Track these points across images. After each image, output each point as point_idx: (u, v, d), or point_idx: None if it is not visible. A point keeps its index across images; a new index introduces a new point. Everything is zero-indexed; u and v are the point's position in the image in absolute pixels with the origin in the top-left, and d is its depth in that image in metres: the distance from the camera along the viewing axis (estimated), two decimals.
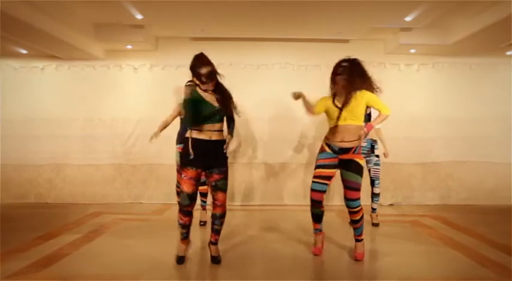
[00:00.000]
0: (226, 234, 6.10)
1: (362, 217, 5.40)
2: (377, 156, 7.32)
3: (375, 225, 7.40)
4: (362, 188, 5.32)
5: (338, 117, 5.26)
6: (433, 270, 5.13)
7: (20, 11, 6.49)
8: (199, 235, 6.65)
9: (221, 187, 5.16)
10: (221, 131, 5.22)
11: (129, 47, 9.30)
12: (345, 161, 5.33)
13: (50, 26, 7.41)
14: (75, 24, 8.15)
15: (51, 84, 9.69)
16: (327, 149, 5.43)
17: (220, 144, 5.16)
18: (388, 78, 9.41)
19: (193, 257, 5.51)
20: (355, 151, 5.31)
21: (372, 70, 9.16)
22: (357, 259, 5.42)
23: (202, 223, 7.28)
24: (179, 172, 6.70)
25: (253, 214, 8.45)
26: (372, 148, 7.29)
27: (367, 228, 7.10)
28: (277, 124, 9.37)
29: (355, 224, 5.45)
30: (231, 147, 5.16)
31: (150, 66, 9.56)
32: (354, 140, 5.27)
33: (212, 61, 5.23)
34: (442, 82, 9.67)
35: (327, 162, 5.38)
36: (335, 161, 5.37)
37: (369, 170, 7.31)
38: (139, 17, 8.05)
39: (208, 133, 5.09)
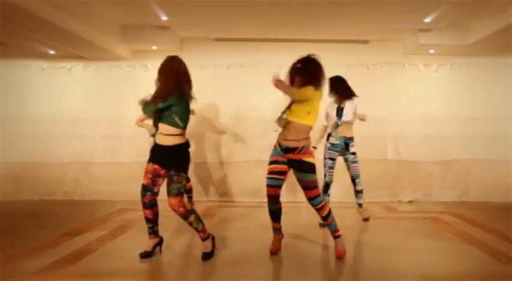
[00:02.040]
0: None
1: (329, 212, 5.37)
2: (353, 154, 7.26)
3: (366, 220, 7.48)
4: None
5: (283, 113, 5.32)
6: (452, 266, 5.21)
7: (48, 12, 6.62)
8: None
9: (167, 190, 5.23)
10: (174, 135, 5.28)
11: (154, 47, 9.43)
12: (293, 161, 5.31)
13: (77, 27, 7.55)
14: (101, 25, 8.30)
15: (78, 84, 9.86)
16: (277, 146, 5.45)
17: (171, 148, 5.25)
18: (408, 79, 9.60)
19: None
20: (300, 151, 5.25)
21: (392, 70, 9.45)
22: (338, 256, 5.39)
23: None
24: None
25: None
26: (347, 146, 7.23)
27: (371, 224, 7.37)
28: None
29: (325, 220, 5.42)
30: None
31: None
32: (298, 140, 5.25)
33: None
34: (459, 82, 9.74)
35: (279, 158, 5.38)
36: (284, 159, 5.36)
37: (348, 168, 7.36)
38: (164, 18, 8.21)
39: (159, 136, 5.37)
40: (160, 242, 5.60)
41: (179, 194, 5.17)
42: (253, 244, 5.97)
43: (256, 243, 6.00)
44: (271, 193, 5.38)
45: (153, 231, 5.47)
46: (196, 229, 5.31)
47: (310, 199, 5.29)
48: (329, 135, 7.27)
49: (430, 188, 9.67)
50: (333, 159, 7.26)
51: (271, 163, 5.42)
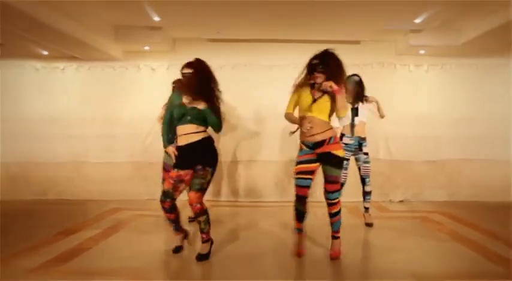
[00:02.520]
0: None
1: (339, 211, 5.42)
2: (365, 154, 7.23)
3: (369, 225, 7.27)
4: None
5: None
6: (442, 265, 5.24)
7: (40, 12, 6.66)
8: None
9: (191, 185, 5.24)
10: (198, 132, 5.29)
11: (146, 48, 9.49)
12: (322, 155, 5.29)
13: (70, 27, 7.60)
14: (94, 25, 8.35)
15: (72, 84, 9.90)
16: (303, 147, 5.44)
17: (198, 145, 5.27)
18: (399, 79, 9.66)
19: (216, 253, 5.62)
20: (329, 142, 5.24)
21: (383, 71, 9.52)
22: (332, 257, 5.41)
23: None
24: (165, 170, 7.13)
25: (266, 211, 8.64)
26: (360, 146, 7.20)
27: (362, 224, 7.32)
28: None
29: (333, 217, 5.43)
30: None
31: (167, 67, 9.71)
32: (324, 131, 5.24)
33: (217, 63, 5.35)
34: (450, 82, 9.82)
35: (306, 157, 5.36)
36: (313, 156, 5.34)
37: (359, 169, 7.29)
38: (156, 19, 8.24)
39: (183, 137, 5.31)
40: (186, 236, 5.74)
41: (201, 189, 5.23)
42: (243, 245, 6.06)
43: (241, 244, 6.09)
44: (300, 193, 5.35)
45: (177, 228, 5.58)
46: (202, 230, 5.40)
47: (329, 192, 5.35)
48: (342, 135, 7.17)
49: (421, 187, 9.72)
50: (346, 159, 7.09)
51: (299, 163, 5.38)
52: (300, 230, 5.56)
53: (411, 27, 8.64)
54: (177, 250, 5.58)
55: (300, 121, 5.35)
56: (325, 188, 5.38)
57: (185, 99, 5.25)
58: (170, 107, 5.47)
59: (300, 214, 5.44)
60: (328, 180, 5.33)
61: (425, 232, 6.82)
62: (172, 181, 5.20)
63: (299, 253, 5.50)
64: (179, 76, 5.64)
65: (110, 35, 8.92)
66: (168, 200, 5.21)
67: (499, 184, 9.58)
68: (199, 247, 5.51)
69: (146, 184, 9.68)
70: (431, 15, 7.85)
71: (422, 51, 9.46)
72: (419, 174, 9.74)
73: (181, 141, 5.27)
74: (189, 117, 5.21)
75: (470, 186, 9.68)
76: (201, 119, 5.25)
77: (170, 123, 5.46)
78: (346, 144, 7.05)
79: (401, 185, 9.61)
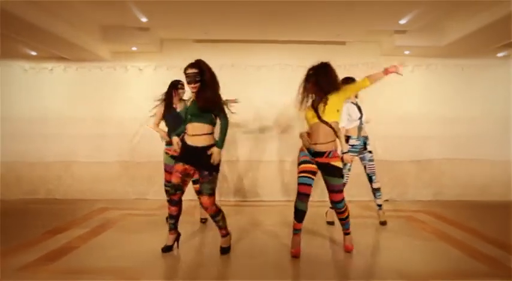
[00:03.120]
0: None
1: (348, 214, 5.65)
2: (370, 152, 7.27)
3: (383, 224, 7.30)
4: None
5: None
6: (428, 264, 5.28)
7: (29, 13, 6.71)
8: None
9: (202, 190, 5.40)
10: (206, 135, 5.42)
11: (134, 48, 9.54)
12: (321, 165, 5.48)
13: (58, 28, 7.65)
14: (82, 26, 8.37)
15: (60, 84, 9.94)
16: (304, 150, 5.61)
17: (205, 149, 5.38)
18: (384, 79, 9.63)
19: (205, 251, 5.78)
20: (328, 155, 5.43)
21: (368, 71, 9.49)
22: (346, 250, 5.71)
23: (204, 220, 7.45)
24: (167, 171, 7.09)
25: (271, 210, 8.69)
26: (365, 145, 7.27)
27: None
28: (279, 122, 9.63)
29: (343, 220, 5.68)
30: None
31: (154, 68, 9.80)
32: (326, 143, 5.43)
33: (210, 65, 5.43)
34: (435, 83, 9.92)
35: (308, 158, 5.53)
36: (313, 160, 5.52)
37: (365, 167, 7.32)
38: (144, 19, 8.29)
39: (190, 138, 5.43)
40: (178, 237, 5.78)
41: (212, 193, 5.40)
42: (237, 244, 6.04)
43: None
44: (304, 191, 5.45)
45: (175, 227, 5.67)
46: (221, 227, 5.63)
47: (335, 202, 5.53)
48: (348, 137, 7.17)
49: (406, 187, 9.80)
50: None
51: (302, 162, 5.56)
52: (297, 231, 5.60)
53: (396, 28, 8.73)
54: (167, 249, 5.61)
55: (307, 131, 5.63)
56: (332, 200, 5.56)
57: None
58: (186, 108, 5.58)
59: (300, 213, 5.50)
60: (331, 190, 5.50)
61: (411, 231, 6.85)
62: (180, 175, 5.39)
63: (295, 253, 5.54)
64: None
65: (98, 35, 8.97)
66: (178, 192, 5.42)
67: (483, 183, 9.71)
68: (188, 249, 5.68)
69: (134, 184, 9.74)
70: (416, 16, 7.93)
71: (407, 52, 9.54)
72: (405, 173, 9.82)
73: (191, 141, 5.41)
74: (200, 118, 5.36)
75: (455, 185, 9.75)
76: (211, 120, 5.46)
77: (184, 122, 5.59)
78: (352, 145, 7.13)
79: (386, 184, 9.53)
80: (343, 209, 5.54)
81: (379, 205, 7.41)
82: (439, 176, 9.81)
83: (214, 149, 5.35)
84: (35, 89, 9.94)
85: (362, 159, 7.31)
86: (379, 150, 9.64)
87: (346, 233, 5.79)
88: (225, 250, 5.61)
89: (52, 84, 9.94)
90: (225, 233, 5.67)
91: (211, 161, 5.31)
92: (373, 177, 7.31)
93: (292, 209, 5.50)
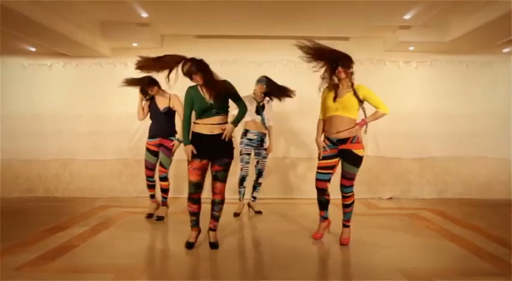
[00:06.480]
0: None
1: (352, 202, 5.87)
2: (265, 149, 7.67)
3: (258, 212, 7.82)
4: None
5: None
6: (431, 262, 5.24)
7: (28, 9, 6.61)
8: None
9: (219, 177, 5.52)
10: (222, 124, 5.48)
11: (134, 44, 9.41)
12: (344, 152, 5.69)
13: (57, 24, 7.55)
14: (82, 22, 8.28)
15: (59, 81, 9.85)
16: (327, 142, 5.80)
17: (221, 137, 5.43)
18: (388, 75, 9.65)
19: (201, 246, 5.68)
20: (352, 140, 5.65)
21: (372, 67, 9.50)
22: (342, 243, 5.83)
23: (159, 218, 7.42)
24: (147, 167, 7.33)
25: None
26: (261, 142, 7.59)
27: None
28: (280, 119, 9.47)
29: (346, 208, 5.86)
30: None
31: None
32: (349, 130, 5.64)
33: (206, 59, 5.43)
34: (439, 79, 9.84)
35: (329, 153, 5.75)
36: (335, 152, 5.74)
37: (257, 162, 7.70)
38: (144, 15, 8.20)
39: (208, 127, 5.43)
40: (199, 233, 5.80)
41: (226, 180, 5.61)
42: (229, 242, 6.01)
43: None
44: (321, 187, 5.85)
45: (197, 223, 5.71)
46: (216, 218, 5.70)
47: (345, 187, 5.78)
48: (246, 131, 7.60)
49: (409, 185, 9.76)
50: (248, 154, 7.66)
51: (322, 158, 5.81)
52: (323, 218, 6.13)
53: (400, 23, 8.63)
54: (190, 245, 5.59)
55: (327, 121, 5.85)
56: (341, 183, 5.78)
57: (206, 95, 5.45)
58: (189, 102, 5.51)
59: (321, 203, 5.99)
60: (345, 176, 5.75)
61: (414, 229, 6.84)
62: (199, 172, 5.44)
63: (315, 236, 6.09)
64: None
65: (98, 31, 8.87)
66: (199, 191, 5.52)
67: (485, 181, 9.67)
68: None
69: (134, 181, 9.67)
70: (421, 11, 7.83)
71: (411, 48, 9.46)
72: (408, 171, 9.77)
73: (204, 130, 5.45)
74: (214, 110, 5.42)
75: (459, 183, 9.72)
76: (226, 109, 5.58)
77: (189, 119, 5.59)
78: (250, 140, 7.49)
79: (390, 182, 9.62)
80: (349, 194, 5.79)
81: (254, 197, 7.94)
82: (442, 174, 9.76)
83: (229, 125, 5.48)
84: (33, 86, 9.84)
85: (257, 154, 7.68)
86: (382, 147, 9.61)
87: (346, 225, 5.95)
88: (215, 245, 5.64)
89: (51, 81, 9.85)
90: (215, 226, 5.72)
91: (224, 135, 5.41)
92: (263, 173, 7.80)
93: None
